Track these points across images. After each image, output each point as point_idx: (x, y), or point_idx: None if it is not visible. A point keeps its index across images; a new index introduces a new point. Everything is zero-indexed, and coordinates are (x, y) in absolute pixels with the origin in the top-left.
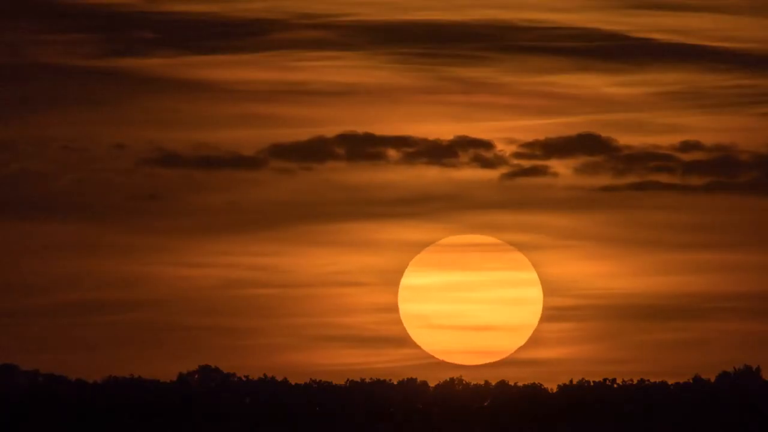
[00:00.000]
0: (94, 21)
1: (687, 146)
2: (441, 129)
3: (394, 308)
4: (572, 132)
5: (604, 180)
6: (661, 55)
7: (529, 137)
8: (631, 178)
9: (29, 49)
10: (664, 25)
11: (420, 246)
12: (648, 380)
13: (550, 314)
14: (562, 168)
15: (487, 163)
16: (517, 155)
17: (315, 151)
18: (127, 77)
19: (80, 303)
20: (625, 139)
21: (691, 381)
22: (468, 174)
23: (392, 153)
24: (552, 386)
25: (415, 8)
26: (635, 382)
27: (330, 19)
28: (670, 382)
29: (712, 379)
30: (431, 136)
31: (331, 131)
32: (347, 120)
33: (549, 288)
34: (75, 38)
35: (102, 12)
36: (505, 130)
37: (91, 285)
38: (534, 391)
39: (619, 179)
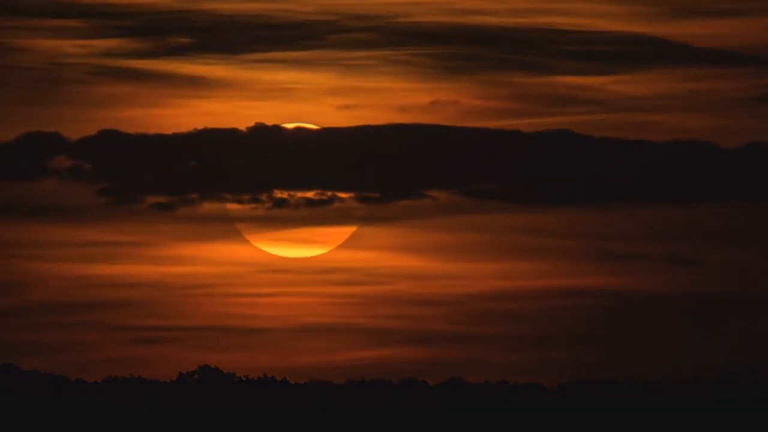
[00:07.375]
0: (141, 21)
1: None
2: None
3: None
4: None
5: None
6: (700, 59)
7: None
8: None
9: (64, 51)
10: (705, 31)
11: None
12: (648, 380)
13: (552, 314)
14: None
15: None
16: None
17: None
18: (171, 79)
19: (80, 303)
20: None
21: (691, 381)
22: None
23: None
24: (552, 386)
25: (468, 11)
26: (635, 382)
27: (380, 21)
28: (670, 382)
29: (712, 379)
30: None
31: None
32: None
33: (542, 288)
34: (118, 41)
35: (146, 13)
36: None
37: (92, 285)
38: (534, 391)
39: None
